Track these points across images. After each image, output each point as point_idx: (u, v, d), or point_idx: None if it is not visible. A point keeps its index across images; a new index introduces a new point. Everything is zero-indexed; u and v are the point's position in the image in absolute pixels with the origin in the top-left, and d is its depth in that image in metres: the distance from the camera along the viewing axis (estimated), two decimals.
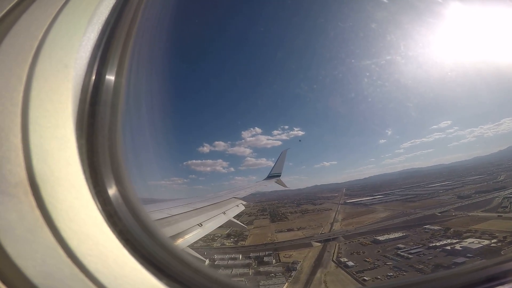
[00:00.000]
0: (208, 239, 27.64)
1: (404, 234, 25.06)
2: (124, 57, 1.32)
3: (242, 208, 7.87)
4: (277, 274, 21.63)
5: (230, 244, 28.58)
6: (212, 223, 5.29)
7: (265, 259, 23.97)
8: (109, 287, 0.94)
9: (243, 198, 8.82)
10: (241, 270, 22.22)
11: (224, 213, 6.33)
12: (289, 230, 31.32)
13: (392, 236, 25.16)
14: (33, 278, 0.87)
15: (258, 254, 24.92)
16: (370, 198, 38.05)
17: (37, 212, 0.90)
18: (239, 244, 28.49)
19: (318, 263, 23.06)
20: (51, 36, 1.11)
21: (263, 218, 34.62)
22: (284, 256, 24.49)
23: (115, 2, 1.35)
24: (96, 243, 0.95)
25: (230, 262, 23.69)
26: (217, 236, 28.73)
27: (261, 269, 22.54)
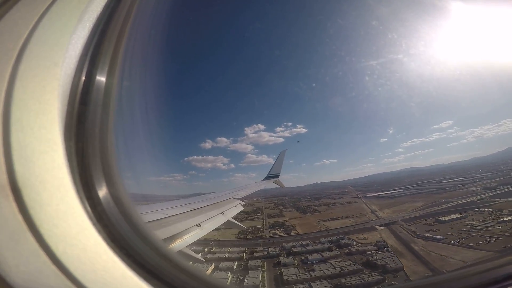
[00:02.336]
0: (255, 230, 28.95)
1: (462, 215, 25.65)
2: (117, 56, 1.26)
3: (240, 208, 7.71)
4: (373, 251, 22.29)
5: (282, 234, 28.87)
6: (211, 223, 5.20)
7: (342, 242, 24.48)
8: None
9: (242, 199, 8.66)
10: (331, 253, 22.78)
11: (222, 213, 6.25)
12: (333, 219, 31.51)
13: (453, 216, 25.71)
14: (16, 284, 0.86)
15: (329, 239, 25.40)
16: (389, 192, 37.74)
17: (19, 217, 0.88)
18: (292, 233, 28.95)
19: (402, 240, 23.71)
20: (37, 34, 1.07)
21: (290, 211, 34.92)
22: (358, 239, 25.04)
23: (107, 1, 1.28)
24: (83, 248, 0.92)
25: (309, 248, 24.21)
26: (260, 228, 29.35)
27: (352, 249, 23.22)
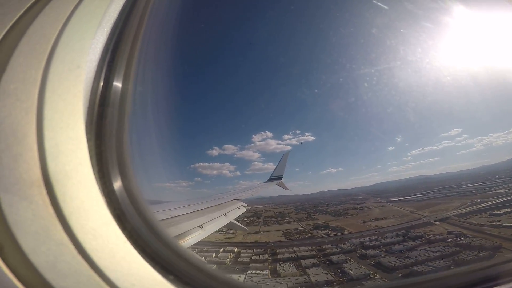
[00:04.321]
0: (300, 231, 28.85)
1: None
2: (132, 59, 1.32)
3: (243, 210, 7.62)
4: (454, 238, 21.77)
5: (335, 233, 28.30)
6: (213, 225, 5.21)
7: (411, 234, 23.87)
8: (116, 283, 0.96)
9: (245, 200, 8.51)
10: (412, 243, 22.30)
11: (225, 215, 6.24)
12: (376, 219, 30.37)
13: (506, 210, 24.93)
14: (45, 273, 0.93)
15: (396, 233, 24.89)
16: (412, 197, 35.69)
17: (50, 210, 0.95)
18: (345, 232, 28.35)
19: (472, 229, 23.22)
20: (64, 38, 1.13)
21: (319, 215, 33.99)
22: (422, 232, 24.52)
23: (123, 6, 1.36)
24: (106, 240, 0.98)
25: (382, 241, 23.68)
26: (304, 230, 29.32)
27: (431, 238, 22.70)
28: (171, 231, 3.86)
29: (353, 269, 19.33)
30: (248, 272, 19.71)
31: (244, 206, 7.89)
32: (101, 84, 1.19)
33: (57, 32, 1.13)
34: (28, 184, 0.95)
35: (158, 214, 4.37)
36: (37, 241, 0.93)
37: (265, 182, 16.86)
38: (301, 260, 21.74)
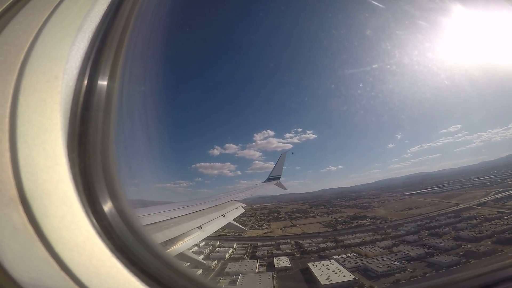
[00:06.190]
0: (343, 221, 29.49)
1: None
2: (118, 64, 1.24)
3: (241, 210, 7.54)
4: (508, 216, 22.59)
5: (379, 222, 28.86)
6: (212, 225, 5.22)
7: (462, 216, 24.63)
8: None
9: (248, 199, 8.54)
10: (473, 221, 23.05)
11: (224, 215, 6.23)
12: (409, 209, 30.29)
13: None
14: None
15: (447, 216, 25.49)
16: (427, 190, 35.19)
17: (29, 228, 0.92)
18: (389, 219, 28.81)
19: None
20: (38, 47, 1.06)
21: (342, 208, 33.74)
22: (470, 214, 24.99)
23: (107, 8, 1.28)
24: (90, 257, 0.94)
25: (439, 223, 24.55)
26: (345, 221, 29.82)
27: (489, 217, 23.20)
28: (171, 232, 3.88)
29: (440, 243, 19.91)
30: (335, 257, 20.22)
31: (242, 207, 7.90)
32: (83, 93, 1.12)
33: (30, 41, 1.07)
34: (4, 203, 0.93)
35: (158, 216, 4.42)
36: (18, 258, 0.91)
37: (264, 182, 16.85)
38: (376, 243, 22.19)
